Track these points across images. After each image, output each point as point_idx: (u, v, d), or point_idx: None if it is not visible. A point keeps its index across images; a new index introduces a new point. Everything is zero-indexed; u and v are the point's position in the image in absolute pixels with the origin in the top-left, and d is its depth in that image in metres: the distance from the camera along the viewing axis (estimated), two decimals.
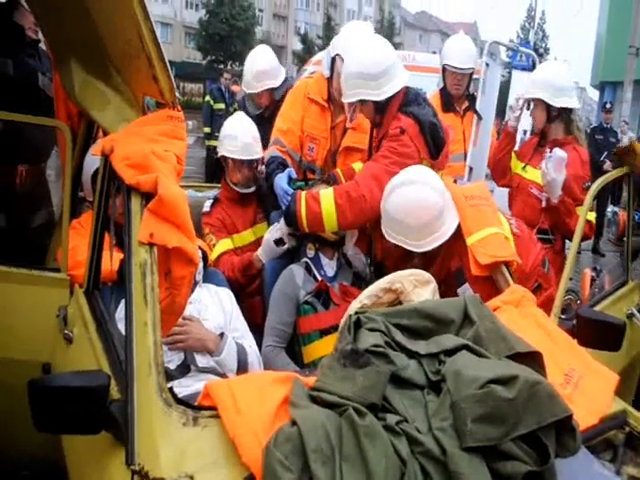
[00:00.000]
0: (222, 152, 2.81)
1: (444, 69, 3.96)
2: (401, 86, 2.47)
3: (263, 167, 2.91)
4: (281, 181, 2.63)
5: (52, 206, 2.92)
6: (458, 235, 2.17)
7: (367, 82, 2.42)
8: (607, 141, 8.88)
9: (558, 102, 3.04)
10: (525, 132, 4.61)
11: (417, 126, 2.44)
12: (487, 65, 4.54)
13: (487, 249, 2.06)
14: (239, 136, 2.77)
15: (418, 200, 2.11)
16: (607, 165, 8.20)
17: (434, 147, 2.50)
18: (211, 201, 2.85)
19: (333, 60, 2.87)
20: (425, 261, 2.21)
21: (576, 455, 1.30)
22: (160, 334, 1.31)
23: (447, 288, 2.17)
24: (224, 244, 2.72)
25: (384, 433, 1.17)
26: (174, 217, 1.47)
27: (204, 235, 2.73)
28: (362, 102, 2.49)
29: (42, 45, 2.94)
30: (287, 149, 2.92)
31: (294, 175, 2.69)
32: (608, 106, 9.67)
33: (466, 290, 2.12)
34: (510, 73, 8.10)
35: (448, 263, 2.22)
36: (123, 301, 1.44)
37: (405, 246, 2.16)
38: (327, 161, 2.99)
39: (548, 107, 3.07)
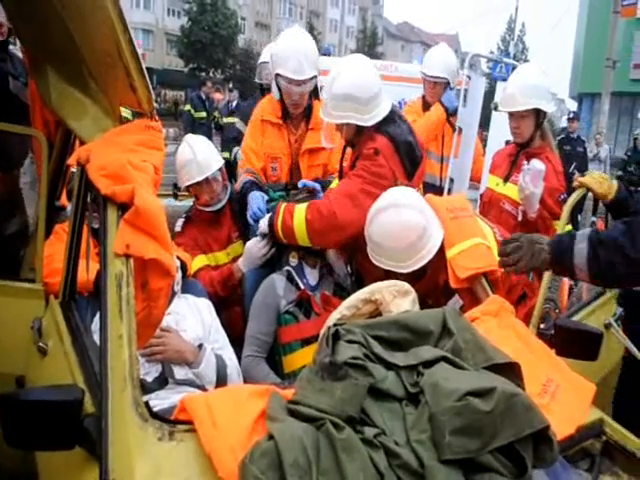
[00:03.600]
0: (184, 183, 2.72)
1: (423, 79, 4.04)
2: (387, 112, 2.44)
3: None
4: (257, 200, 2.62)
5: (26, 214, 2.87)
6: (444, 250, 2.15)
7: (357, 106, 2.39)
8: (575, 151, 8.81)
9: (550, 108, 2.92)
10: (507, 143, 4.65)
11: (392, 146, 2.41)
12: (469, 78, 4.60)
13: (465, 262, 2.05)
14: (193, 158, 2.67)
15: (400, 223, 2.08)
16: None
17: (410, 166, 2.47)
18: (182, 220, 2.80)
19: (277, 81, 2.89)
20: (413, 278, 2.16)
21: (553, 465, 1.30)
22: (136, 347, 1.29)
23: (435, 301, 2.14)
24: (200, 260, 2.69)
25: (362, 446, 1.16)
26: (151, 228, 1.45)
27: None
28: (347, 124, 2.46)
29: (16, 51, 2.90)
30: (257, 177, 2.93)
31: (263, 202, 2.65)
32: (572, 115, 9.64)
33: (456, 302, 2.11)
34: (491, 84, 8.22)
35: (436, 277, 2.19)
36: (99, 313, 1.42)
37: (394, 269, 2.12)
38: (292, 174, 3.01)
39: (537, 115, 2.92)
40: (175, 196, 3.23)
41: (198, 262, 2.67)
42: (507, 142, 4.67)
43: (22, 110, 2.56)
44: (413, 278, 2.12)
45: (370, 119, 2.41)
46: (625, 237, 1.64)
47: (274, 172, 2.98)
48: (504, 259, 1.82)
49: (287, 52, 2.83)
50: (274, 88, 2.97)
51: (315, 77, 2.87)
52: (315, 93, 2.99)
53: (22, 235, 2.72)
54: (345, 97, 2.40)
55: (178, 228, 2.76)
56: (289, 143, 2.99)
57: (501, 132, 4.73)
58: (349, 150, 2.63)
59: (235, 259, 2.71)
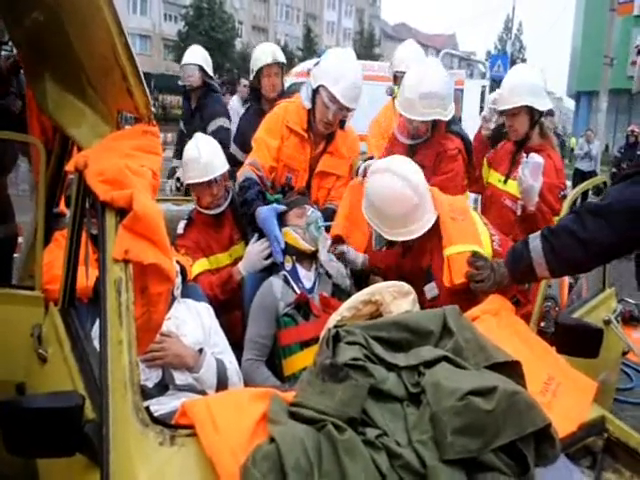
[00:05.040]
0: (186, 180, 2.75)
1: (395, 76, 3.97)
2: (454, 108, 2.86)
3: (236, 184, 2.85)
4: (271, 224, 2.54)
5: (15, 221, 2.87)
6: (433, 233, 2.23)
7: (441, 102, 2.75)
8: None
9: (543, 105, 2.95)
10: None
11: (464, 145, 2.90)
12: None
13: (463, 266, 2.05)
14: (198, 158, 2.68)
15: (393, 191, 2.20)
16: None
17: (470, 161, 2.96)
18: (185, 222, 2.78)
19: (315, 91, 2.79)
20: (402, 253, 2.36)
21: (555, 463, 1.30)
22: (136, 353, 1.29)
23: (414, 284, 2.19)
24: (201, 264, 2.68)
25: (363, 448, 1.16)
26: (150, 233, 1.44)
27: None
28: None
29: None
30: (262, 174, 2.82)
31: (279, 209, 2.60)
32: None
33: (432, 289, 2.23)
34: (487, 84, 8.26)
35: (420, 259, 2.30)
36: (99, 319, 1.42)
37: (378, 231, 2.28)
38: (308, 188, 2.96)
39: (531, 113, 2.94)
40: (177, 189, 3.21)
41: (198, 267, 2.66)
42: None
43: (14, 119, 2.57)
44: (402, 253, 2.32)
45: (448, 113, 2.81)
46: (575, 222, 1.74)
47: (288, 181, 2.91)
48: (473, 272, 1.96)
49: (342, 73, 2.72)
50: (305, 96, 2.87)
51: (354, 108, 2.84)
52: (341, 122, 2.93)
53: (11, 242, 2.72)
54: (434, 95, 2.73)
55: (180, 230, 2.75)
56: (308, 159, 2.92)
57: (470, 126, 4.80)
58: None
59: (237, 260, 2.70)
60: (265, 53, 4.21)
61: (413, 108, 2.76)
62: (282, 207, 2.58)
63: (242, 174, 2.82)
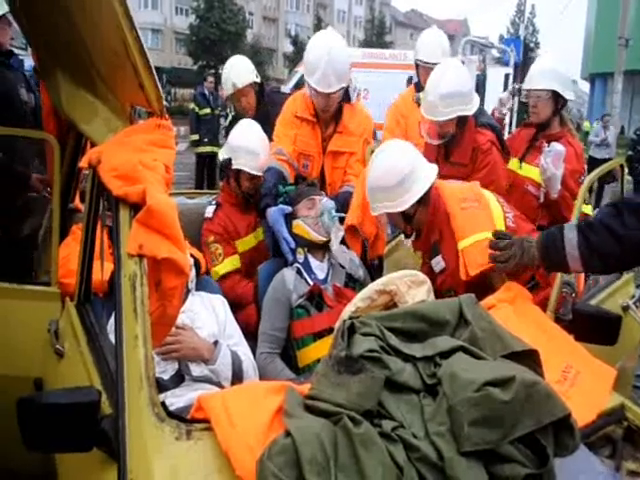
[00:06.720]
0: (240, 167, 2.77)
1: (417, 64, 3.95)
2: (478, 100, 2.89)
3: None
4: (280, 227, 2.55)
5: (37, 219, 2.90)
6: (439, 210, 2.25)
7: (462, 99, 2.80)
8: None
9: (568, 94, 3.00)
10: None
11: (494, 134, 2.93)
12: (462, 63, 4.58)
13: (477, 257, 2.05)
14: (260, 153, 2.80)
15: (383, 165, 2.24)
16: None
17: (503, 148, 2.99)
18: (214, 207, 2.85)
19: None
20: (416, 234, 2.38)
21: (575, 453, 1.29)
22: (151, 347, 1.29)
23: (425, 260, 2.35)
24: (231, 262, 2.75)
25: (380, 440, 1.15)
26: (163, 227, 1.44)
27: (208, 243, 2.73)
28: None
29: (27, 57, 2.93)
30: (287, 158, 2.93)
31: (287, 210, 2.60)
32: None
33: (438, 262, 2.26)
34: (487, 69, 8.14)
35: (429, 236, 2.33)
36: (114, 313, 1.42)
37: (384, 209, 2.25)
38: (323, 173, 3.03)
39: (555, 99, 3.00)
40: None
41: (229, 265, 2.73)
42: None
43: (33, 117, 2.58)
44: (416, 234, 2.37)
45: (472, 108, 2.84)
46: (613, 217, 1.67)
47: (305, 169, 3.00)
48: (496, 253, 1.92)
49: (315, 63, 2.83)
50: (307, 86, 2.95)
51: (343, 87, 2.87)
52: (346, 97, 2.98)
53: (33, 239, 2.76)
54: (454, 94, 2.79)
55: (209, 214, 2.83)
56: (321, 142, 3.01)
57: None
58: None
59: (261, 242, 2.84)
60: (225, 82, 3.85)
61: (435, 110, 2.82)
62: (288, 208, 2.58)
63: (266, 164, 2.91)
